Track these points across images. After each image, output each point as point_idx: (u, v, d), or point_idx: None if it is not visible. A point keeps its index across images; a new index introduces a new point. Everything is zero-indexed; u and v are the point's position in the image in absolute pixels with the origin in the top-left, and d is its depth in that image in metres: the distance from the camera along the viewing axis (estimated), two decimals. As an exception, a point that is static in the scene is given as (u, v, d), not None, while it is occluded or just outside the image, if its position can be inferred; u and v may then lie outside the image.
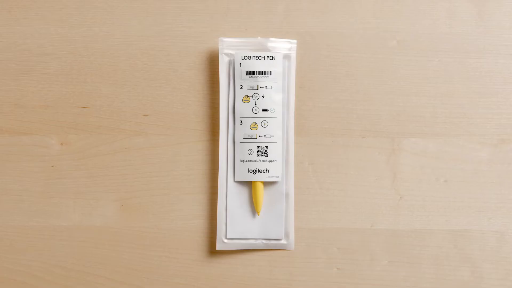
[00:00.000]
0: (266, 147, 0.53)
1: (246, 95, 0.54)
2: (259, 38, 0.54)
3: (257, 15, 0.56)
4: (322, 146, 0.55)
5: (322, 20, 0.56)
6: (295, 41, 0.55)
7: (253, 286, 0.53)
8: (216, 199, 0.54)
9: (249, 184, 0.54)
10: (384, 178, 0.54)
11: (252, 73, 0.53)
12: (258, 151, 0.53)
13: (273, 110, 0.53)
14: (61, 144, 0.56)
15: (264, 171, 0.53)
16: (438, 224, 0.54)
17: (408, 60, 0.56)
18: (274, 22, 0.56)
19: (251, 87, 0.53)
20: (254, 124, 0.53)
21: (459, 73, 0.55)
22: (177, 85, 0.56)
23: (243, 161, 0.53)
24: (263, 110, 0.53)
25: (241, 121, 0.54)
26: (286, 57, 0.54)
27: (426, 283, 0.53)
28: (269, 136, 0.53)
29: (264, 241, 0.54)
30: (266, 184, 0.54)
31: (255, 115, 0.53)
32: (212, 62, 0.56)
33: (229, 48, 0.54)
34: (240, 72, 0.54)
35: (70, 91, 0.56)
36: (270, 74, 0.53)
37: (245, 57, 0.53)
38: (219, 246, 0.53)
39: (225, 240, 0.53)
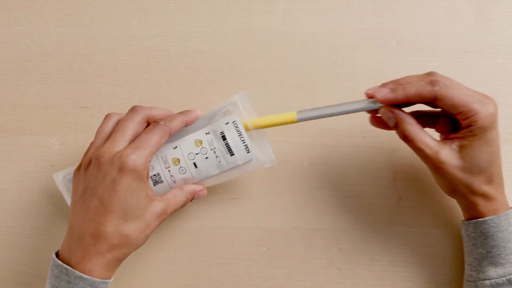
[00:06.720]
0: None
1: None
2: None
3: (257, 15, 0.56)
4: (322, 146, 0.55)
5: (322, 20, 0.56)
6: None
7: (253, 286, 0.53)
8: (216, 199, 0.54)
9: None
10: (384, 178, 0.54)
11: None
12: None
13: None
14: (61, 144, 0.56)
15: None
16: (438, 224, 0.53)
17: (408, 60, 0.56)
18: (274, 22, 0.56)
19: None
20: None
21: (459, 73, 0.55)
22: (177, 85, 0.56)
23: None
24: None
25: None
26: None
27: (426, 283, 0.53)
28: None
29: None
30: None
31: None
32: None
33: None
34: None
35: (70, 91, 0.56)
36: None
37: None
38: None
39: None
